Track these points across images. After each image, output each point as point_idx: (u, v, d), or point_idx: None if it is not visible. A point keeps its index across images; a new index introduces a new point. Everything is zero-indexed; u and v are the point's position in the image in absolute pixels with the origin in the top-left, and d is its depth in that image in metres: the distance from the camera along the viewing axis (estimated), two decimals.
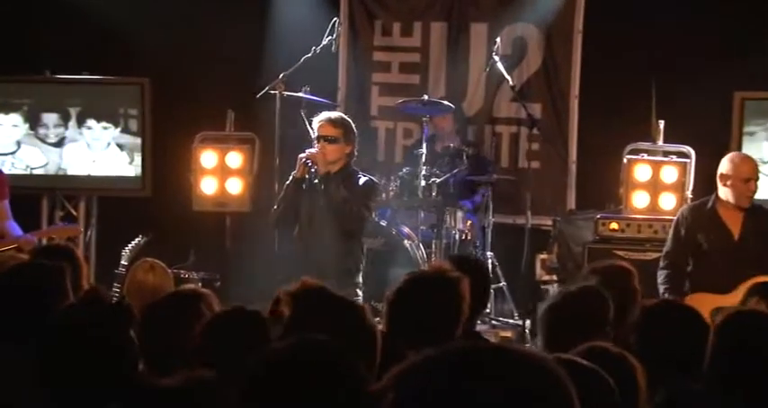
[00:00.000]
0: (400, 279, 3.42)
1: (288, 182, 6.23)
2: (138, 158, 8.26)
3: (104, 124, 8.33)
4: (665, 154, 7.78)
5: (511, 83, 7.64)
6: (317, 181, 6.13)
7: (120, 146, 8.32)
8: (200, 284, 7.24)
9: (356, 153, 6.22)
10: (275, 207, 6.25)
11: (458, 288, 3.35)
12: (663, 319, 3.31)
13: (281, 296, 2.78)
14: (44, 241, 6.46)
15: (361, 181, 6.21)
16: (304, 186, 6.17)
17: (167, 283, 4.89)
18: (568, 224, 7.83)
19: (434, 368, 1.29)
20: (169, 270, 5.15)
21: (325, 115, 6.19)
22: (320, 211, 6.11)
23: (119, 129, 8.30)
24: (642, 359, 2.69)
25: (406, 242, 7.34)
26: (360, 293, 6.15)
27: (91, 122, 8.36)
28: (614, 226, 7.20)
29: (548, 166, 8.60)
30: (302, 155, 6.13)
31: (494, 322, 7.75)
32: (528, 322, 7.52)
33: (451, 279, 3.36)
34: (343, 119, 6.27)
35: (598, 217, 7.35)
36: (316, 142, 6.12)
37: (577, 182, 8.60)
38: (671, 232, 6.25)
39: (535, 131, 7.68)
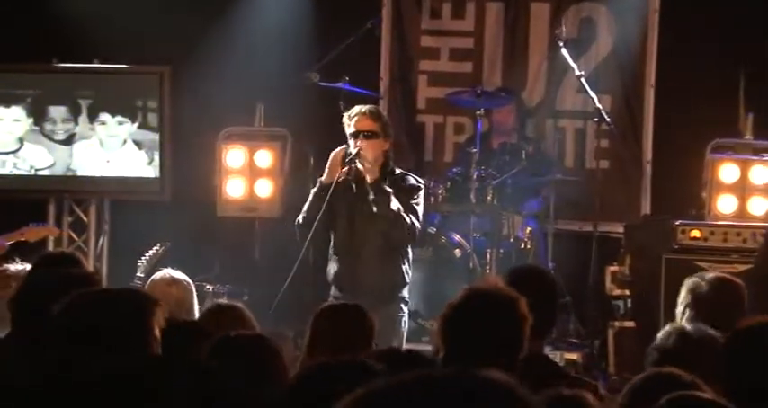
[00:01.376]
0: (458, 294, 3.40)
1: (315, 189, 6.20)
2: (158, 157, 8.23)
3: (120, 118, 8.32)
4: (755, 151, 7.68)
5: (577, 71, 7.62)
6: (354, 183, 6.05)
7: (138, 144, 8.30)
8: (225, 298, 7.21)
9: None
10: (301, 217, 6.21)
11: (521, 307, 3.32)
12: (756, 343, 3.22)
13: None
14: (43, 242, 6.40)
15: (409, 182, 6.17)
16: (331, 190, 6.13)
17: (189, 297, 4.97)
18: (642, 231, 7.79)
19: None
20: (192, 283, 5.19)
21: (359, 108, 6.21)
22: (363, 220, 6.11)
23: (136, 124, 8.28)
24: (728, 389, 2.71)
25: (456, 251, 7.33)
26: (405, 309, 6.08)
27: (104, 116, 8.35)
28: (696, 233, 7.22)
29: (619, 166, 8.56)
30: (336, 150, 6.04)
31: (557, 342, 7.69)
32: (597, 342, 7.42)
33: (514, 297, 3.33)
34: (380, 111, 6.33)
35: (677, 223, 7.31)
36: (352, 139, 6.06)
37: (653, 184, 8.52)
38: (763, 242, 6.14)
39: (604, 126, 7.64)
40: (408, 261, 6.21)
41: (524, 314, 3.30)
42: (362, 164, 6.10)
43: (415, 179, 6.28)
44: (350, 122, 6.15)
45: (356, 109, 6.21)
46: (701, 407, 2.52)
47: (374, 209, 6.05)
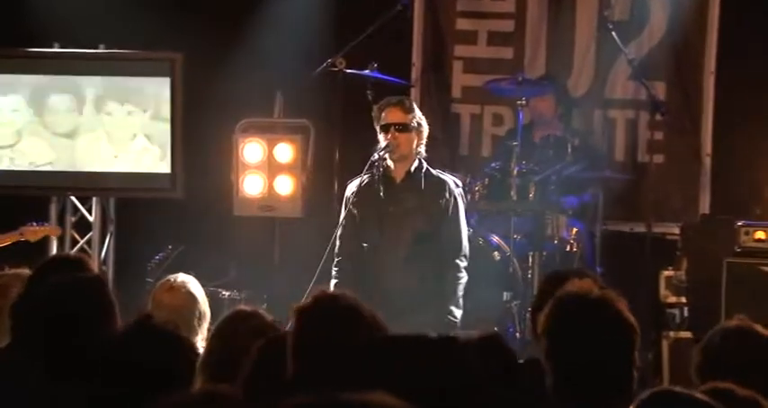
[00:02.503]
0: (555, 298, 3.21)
1: (343, 221, 6.24)
2: (169, 152, 8.25)
3: (129, 108, 8.32)
4: None
5: (628, 56, 7.56)
6: (382, 185, 6.05)
7: (149, 137, 8.31)
8: (242, 305, 7.21)
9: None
10: (336, 254, 6.26)
11: (628, 317, 3.18)
12: None
13: None
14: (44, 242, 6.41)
15: (447, 188, 6.21)
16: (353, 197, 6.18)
17: (190, 305, 4.97)
18: (701, 232, 7.73)
19: None
20: (200, 289, 5.19)
21: (390, 99, 6.26)
22: (393, 223, 6.15)
23: (147, 115, 8.29)
24: None
25: (495, 254, 7.34)
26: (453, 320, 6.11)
27: (112, 107, 8.35)
28: (761, 235, 7.18)
29: (675, 160, 8.52)
30: (376, 155, 6.06)
31: None
32: (649, 355, 7.38)
33: (619, 305, 3.17)
34: (413, 103, 6.36)
35: (740, 223, 7.28)
36: (382, 133, 6.06)
37: (713, 180, 8.51)
38: None
39: (658, 116, 7.57)
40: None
41: (636, 328, 3.17)
42: (392, 162, 6.09)
43: (453, 181, 6.30)
44: (380, 114, 6.15)
45: (387, 100, 6.25)
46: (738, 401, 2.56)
47: (405, 212, 6.10)
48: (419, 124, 6.19)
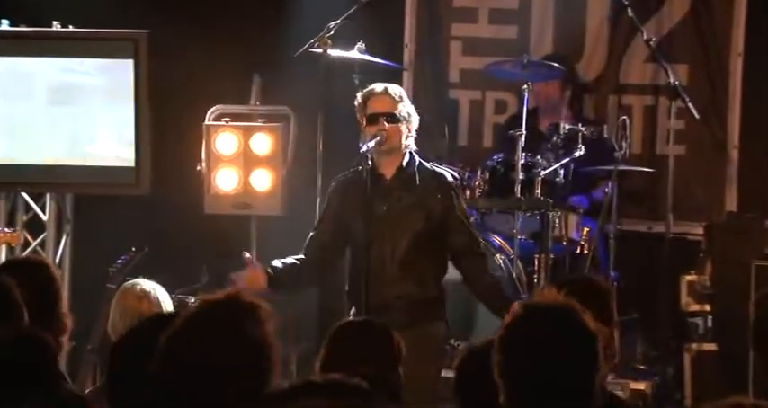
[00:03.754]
0: (514, 310, 3.31)
1: (325, 203, 6.32)
2: (133, 142, 8.24)
3: (88, 94, 8.30)
4: None
5: (646, 36, 7.63)
6: (368, 182, 6.04)
7: (111, 127, 8.31)
8: None
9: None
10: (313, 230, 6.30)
11: (591, 328, 3.24)
12: None
13: None
14: None
15: (443, 182, 6.22)
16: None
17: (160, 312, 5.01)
18: (727, 233, 7.76)
19: None
20: (167, 296, 5.29)
21: (376, 87, 6.26)
22: (383, 225, 6.12)
23: (108, 102, 8.27)
24: None
25: (498, 257, 7.31)
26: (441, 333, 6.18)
27: (68, 92, 8.31)
28: None
29: (698, 152, 8.54)
30: (366, 145, 6.09)
31: (621, 369, 7.64)
32: (670, 369, 7.35)
33: (580, 315, 3.24)
34: (402, 91, 6.37)
35: None
36: (368, 125, 6.04)
37: (740, 175, 8.51)
38: None
39: (680, 103, 7.54)
40: (443, 270, 6.24)
41: (597, 336, 3.22)
42: (380, 157, 6.07)
43: (450, 173, 6.34)
44: (364, 104, 6.20)
45: (371, 88, 6.25)
46: None
47: (400, 212, 6.11)
48: (409, 114, 6.21)
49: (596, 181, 8.08)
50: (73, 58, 8.35)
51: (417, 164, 6.19)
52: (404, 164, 6.15)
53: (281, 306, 6.42)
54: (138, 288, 5.24)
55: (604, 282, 4.94)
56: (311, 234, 6.26)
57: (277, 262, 6.11)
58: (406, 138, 6.17)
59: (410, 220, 6.08)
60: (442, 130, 8.10)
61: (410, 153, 6.20)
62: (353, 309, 6.13)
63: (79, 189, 8.43)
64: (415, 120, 6.22)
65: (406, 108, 6.19)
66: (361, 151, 6.07)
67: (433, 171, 6.24)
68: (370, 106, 6.16)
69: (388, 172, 6.15)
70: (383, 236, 6.07)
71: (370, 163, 6.05)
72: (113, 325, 5.18)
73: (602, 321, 3.82)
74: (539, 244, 7.53)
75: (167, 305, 5.23)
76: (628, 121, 8.28)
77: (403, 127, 6.14)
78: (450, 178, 6.27)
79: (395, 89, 6.27)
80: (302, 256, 6.14)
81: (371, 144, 6.05)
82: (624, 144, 8.00)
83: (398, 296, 6.00)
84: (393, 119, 6.10)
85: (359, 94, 6.26)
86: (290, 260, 6.13)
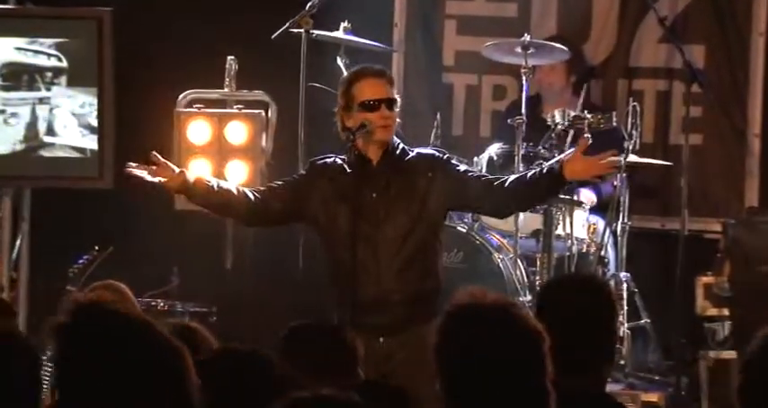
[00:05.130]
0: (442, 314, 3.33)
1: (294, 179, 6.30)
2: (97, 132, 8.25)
3: (44, 79, 8.30)
4: None
5: (659, 13, 7.55)
6: (356, 168, 6.07)
7: (71, 114, 8.32)
8: (187, 319, 7.22)
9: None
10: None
11: (537, 329, 3.23)
12: None
13: None
14: None
15: (431, 158, 6.23)
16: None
17: None
18: (748, 230, 7.78)
19: None
20: (132, 299, 5.33)
21: (367, 69, 6.27)
22: (371, 214, 6.13)
23: (69, 86, 8.27)
24: None
25: (496, 256, 7.37)
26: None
27: (22, 75, 8.32)
28: None
29: (716, 142, 8.58)
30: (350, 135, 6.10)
31: (632, 379, 7.73)
32: (685, 379, 7.39)
33: (520, 312, 3.24)
34: (390, 73, 6.39)
35: None
36: (366, 112, 6.07)
37: (762, 166, 8.55)
38: None
39: (696, 88, 7.57)
40: (440, 261, 6.26)
41: (538, 331, 3.22)
42: (366, 142, 6.10)
43: (435, 150, 6.37)
44: (352, 87, 6.18)
45: (365, 70, 6.24)
46: None
47: (392, 197, 6.11)
48: (397, 99, 6.24)
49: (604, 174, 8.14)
50: (29, 38, 8.32)
51: (401, 147, 6.21)
52: (390, 147, 6.16)
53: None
54: (103, 291, 5.16)
55: (601, 280, 4.97)
56: (269, 185, 6.33)
57: (211, 180, 6.18)
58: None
59: (401, 207, 6.09)
60: (434, 118, 8.14)
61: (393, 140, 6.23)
62: (339, 308, 6.12)
63: (36, 182, 8.40)
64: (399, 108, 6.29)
65: (395, 92, 6.23)
66: (350, 137, 6.10)
67: (419, 153, 6.25)
68: (362, 91, 6.14)
69: (375, 156, 6.15)
70: (374, 225, 6.09)
71: (356, 151, 6.08)
72: None
73: (598, 322, 3.88)
74: (541, 243, 7.57)
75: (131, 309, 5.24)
76: (639, 108, 8.35)
77: (396, 114, 6.17)
78: (436, 153, 6.28)
79: (387, 71, 6.30)
80: (244, 194, 6.17)
81: (363, 132, 6.08)
82: (635, 133, 8.06)
83: (394, 290, 5.99)
84: (393, 104, 6.13)
85: (346, 78, 6.26)
86: (226, 186, 6.22)
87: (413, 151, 6.23)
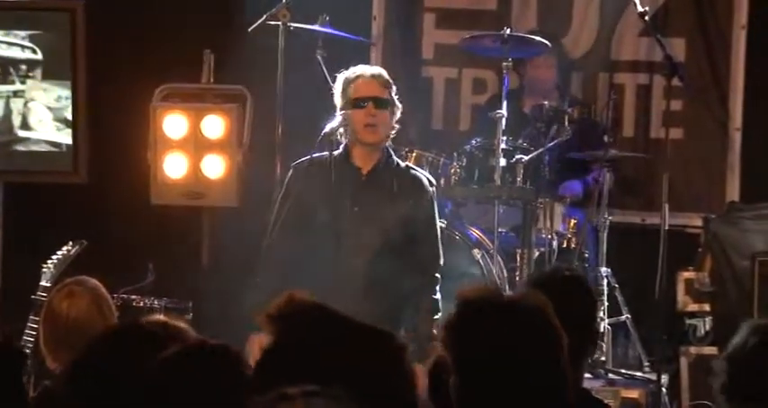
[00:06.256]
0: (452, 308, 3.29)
1: (282, 196, 6.29)
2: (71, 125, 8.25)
3: (19, 70, 8.27)
4: None
5: (639, 8, 7.62)
6: (340, 173, 6.08)
7: (45, 107, 8.32)
8: (162, 315, 7.17)
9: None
10: (263, 263, 6.31)
11: (557, 325, 3.23)
12: None
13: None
14: None
15: (419, 183, 6.26)
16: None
17: (95, 316, 5.10)
18: (729, 225, 7.83)
19: None
20: (107, 298, 5.28)
21: (366, 69, 6.33)
22: (354, 222, 6.17)
23: (41, 80, 8.24)
24: None
25: (475, 252, 7.34)
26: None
27: None
28: None
29: (696, 136, 8.62)
30: (330, 126, 6.10)
31: (611, 374, 7.74)
32: (665, 375, 7.38)
33: (544, 308, 3.24)
34: (389, 77, 6.41)
35: None
36: (354, 109, 6.09)
37: (743, 161, 8.58)
38: None
39: (677, 81, 7.57)
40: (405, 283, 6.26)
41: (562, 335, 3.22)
42: (361, 146, 6.07)
43: (426, 178, 6.38)
44: (347, 87, 6.23)
45: (360, 70, 6.29)
46: None
47: (373, 214, 6.14)
48: (393, 103, 6.27)
49: (586, 168, 8.14)
50: (3, 30, 8.30)
51: (395, 163, 6.24)
52: (382, 161, 6.19)
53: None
54: (67, 289, 5.21)
55: (580, 275, 4.95)
56: (271, 246, 6.22)
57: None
58: (390, 131, 6.24)
59: (384, 226, 6.12)
60: (413, 112, 8.10)
61: (387, 148, 6.26)
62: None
63: (9, 177, 8.38)
64: (399, 112, 6.27)
65: (390, 93, 6.25)
66: (324, 132, 6.07)
67: (412, 174, 6.29)
68: (355, 89, 6.19)
69: (365, 166, 6.17)
70: (351, 241, 6.12)
71: (342, 153, 6.07)
72: (43, 330, 5.17)
73: (577, 316, 3.83)
74: (521, 238, 7.58)
75: (104, 306, 5.19)
76: (619, 101, 8.34)
77: (389, 116, 6.20)
78: (428, 183, 6.32)
79: (384, 73, 6.33)
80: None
81: (336, 124, 6.05)
82: (615, 126, 8.06)
83: (364, 311, 5.99)
84: (383, 104, 6.15)
85: (340, 76, 6.28)
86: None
87: (406, 170, 6.28)
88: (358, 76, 6.22)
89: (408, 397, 2.78)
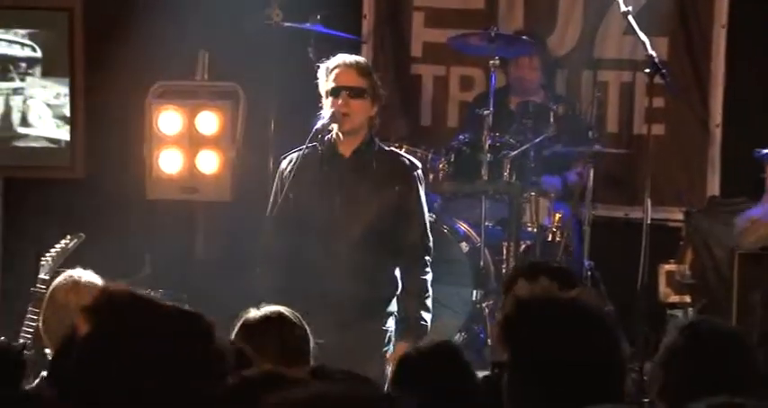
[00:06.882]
0: (512, 302, 3.29)
1: (274, 209, 6.18)
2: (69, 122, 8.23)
3: (16, 68, 8.29)
4: None
5: (623, 7, 7.61)
6: (326, 162, 6.05)
7: (43, 104, 8.29)
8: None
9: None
10: (261, 255, 6.23)
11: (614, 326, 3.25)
12: None
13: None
14: None
15: (403, 166, 6.15)
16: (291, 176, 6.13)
17: None
18: (709, 219, 7.85)
19: None
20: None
21: (343, 58, 6.19)
22: (338, 209, 6.10)
23: (40, 77, 8.26)
24: None
25: (463, 245, 7.39)
26: (392, 324, 6.09)
27: None
28: None
29: (678, 132, 8.59)
30: (320, 124, 6.04)
31: None
32: (647, 366, 7.43)
33: (601, 309, 3.28)
34: (369, 65, 6.33)
35: None
36: (330, 97, 6.04)
37: (723, 156, 8.57)
38: None
39: (659, 79, 7.58)
40: (392, 267, 6.17)
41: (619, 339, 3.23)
42: (340, 133, 6.08)
43: (410, 161, 6.23)
44: (328, 75, 6.12)
45: (339, 59, 6.18)
46: None
47: (354, 199, 6.06)
48: (374, 91, 6.12)
49: (570, 163, 8.12)
50: (2, 28, 8.28)
51: (377, 147, 6.13)
52: (362, 145, 6.10)
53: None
54: (71, 280, 5.16)
55: (566, 267, 4.97)
56: (267, 239, 6.15)
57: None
58: (368, 116, 6.11)
59: (365, 210, 6.04)
60: (402, 109, 8.17)
61: (371, 134, 6.14)
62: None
63: (8, 172, 8.40)
64: (382, 99, 6.12)
65: (371, 83, 6.12)
66: (315, 128, 6.07)
67: (393, 156, 6.18)
68: (333, 78, 6.08)
69: (347, 151, 6.08)
70: (334, 226, 6.04)
71: (327, 142, 6.06)
72: (45, 322, 5.14)
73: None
74: (507, 231, 7.57)
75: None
76: (603, 99, 8.39)
77: (368, 104, 6.07)
78: (409, 164, 6.16)
79: (363, 63, 6.22)
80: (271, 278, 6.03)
81: (326, 121, 6.04)
82: (599, 123, 8.10)
83: (345, 292, 5.94)
84: (358, 94, 6.04)
85: (322, 65, 6.17)
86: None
87: (388, 153, 6.16)
88: (337, 66, 6.08)
89: (217, 370, 2.85)
